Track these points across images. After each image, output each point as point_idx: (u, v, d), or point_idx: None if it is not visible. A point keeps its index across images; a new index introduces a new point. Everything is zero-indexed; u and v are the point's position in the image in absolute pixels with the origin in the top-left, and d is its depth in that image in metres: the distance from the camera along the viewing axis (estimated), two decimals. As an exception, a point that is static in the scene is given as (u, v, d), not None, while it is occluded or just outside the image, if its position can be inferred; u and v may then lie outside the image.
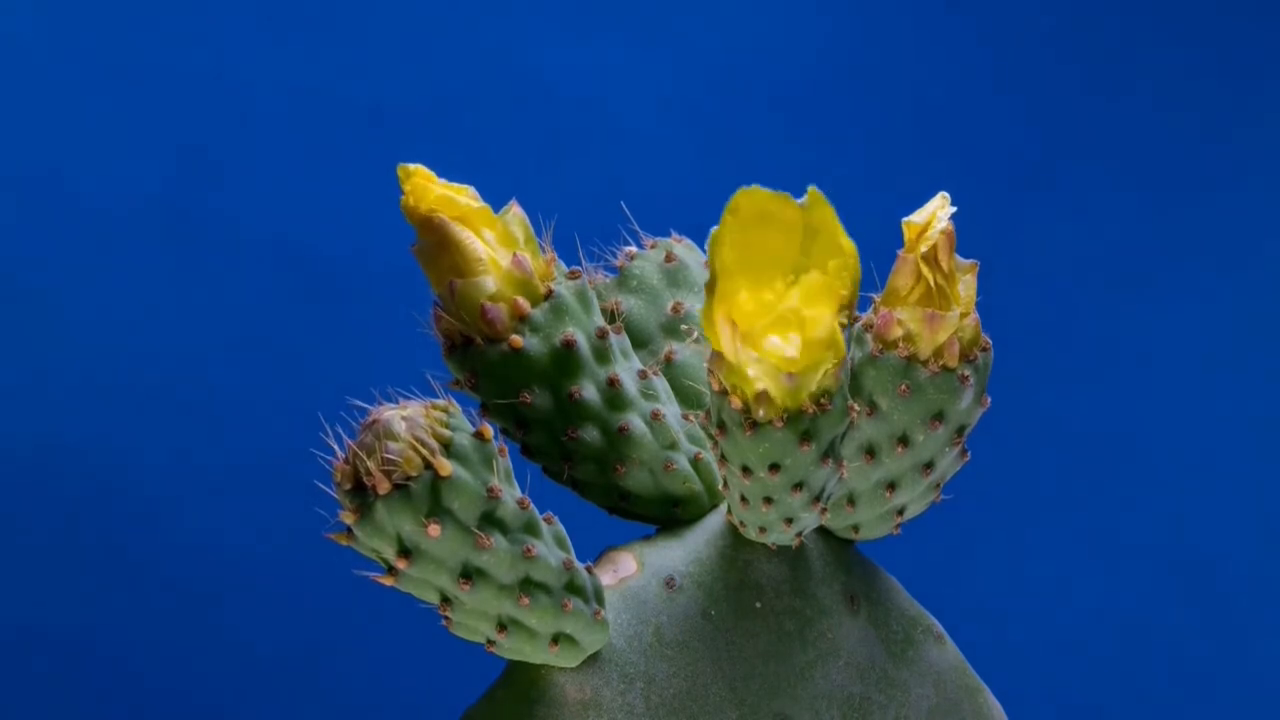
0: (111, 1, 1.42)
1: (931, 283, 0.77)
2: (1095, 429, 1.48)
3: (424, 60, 1.44)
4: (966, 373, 0.77)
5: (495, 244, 0.79)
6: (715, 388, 0.74)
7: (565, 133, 1.46)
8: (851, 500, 0.80)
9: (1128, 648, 1.47)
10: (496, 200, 0.79)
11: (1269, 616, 1.48)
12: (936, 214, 0.76)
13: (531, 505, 0.74)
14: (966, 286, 0.77)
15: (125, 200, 1.42)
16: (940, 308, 0.77)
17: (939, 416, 0.77)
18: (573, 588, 0.76)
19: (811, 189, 0.71)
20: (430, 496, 0.72)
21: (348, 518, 0.73)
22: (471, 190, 0.79)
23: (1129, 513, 1.48)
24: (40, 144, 1.41)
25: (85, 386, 1.41)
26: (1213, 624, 1.47)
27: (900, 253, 0.77)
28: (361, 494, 0.73)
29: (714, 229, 0.71)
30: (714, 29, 1.47)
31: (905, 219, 0.77)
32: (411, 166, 0.78)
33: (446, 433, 0.73)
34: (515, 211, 0.80)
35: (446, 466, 0.72)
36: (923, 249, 0.76)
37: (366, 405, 0.74)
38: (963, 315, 0.77)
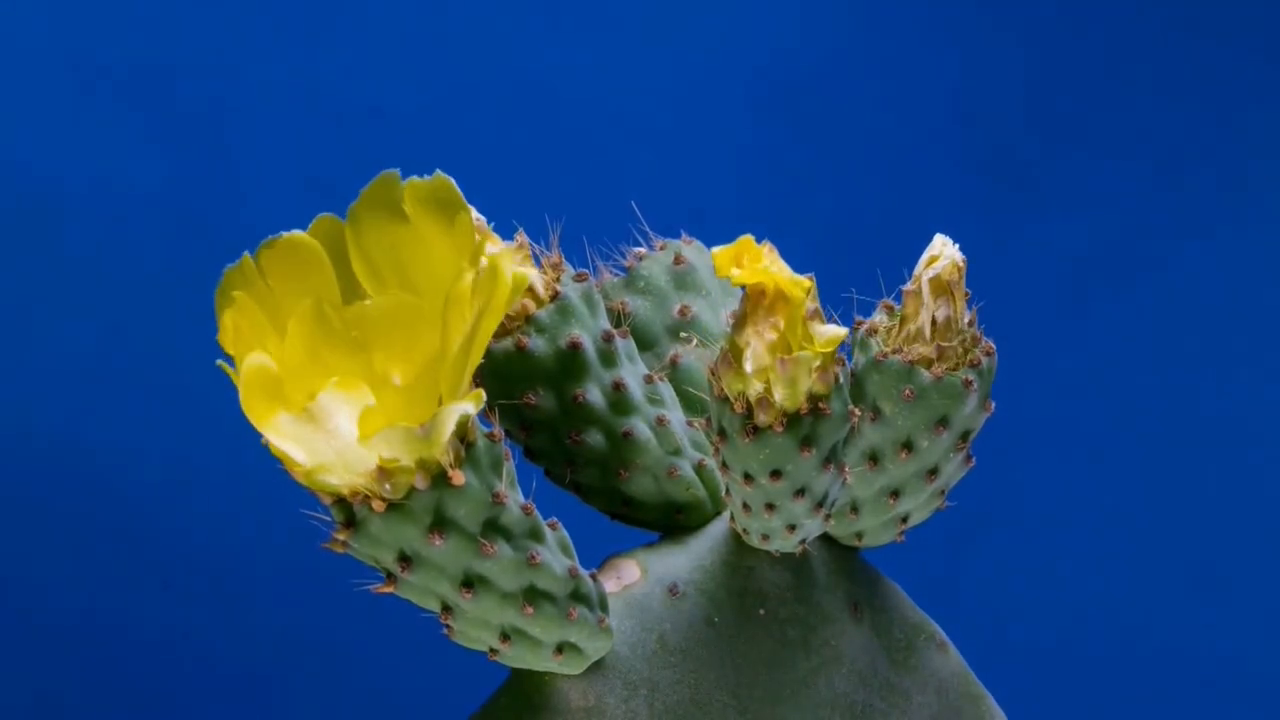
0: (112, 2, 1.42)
1: (926, 314, 0.77)
2: (1100, 433, 1.48)
3: (432, 59, 1.44)
4: (970, 377, 0.77)
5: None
6: (716, 394, 0.74)
7: (577, 131, 1.45)
8: (855, 507, 0.79)
9: (1132, 656, 1.47)
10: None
11: (1271, 620, 1.48)
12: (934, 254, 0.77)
13: (535, 511, 0.74)
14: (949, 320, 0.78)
15: (126, 200, 1.41)
16: (944, 332, 0.77)
17: (943, 422, 0.77)
18: (577, 595, 0.75)
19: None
20: (433, 508, 0.70)
21: (340, 534, 0.70)
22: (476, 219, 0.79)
23: (1133, 519, 1.48)
24: (41, 144, 1.41)
25: (86, 387, 1.41)
26: (1216, 629, 1.47)
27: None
28: (347, 505, 0.70)
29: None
30: (723, 28, 1.47)
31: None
32: None
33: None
34: (518, 241, 0.79)
35: (460, 477, 0.70)
36: (923, 279, 0.77)
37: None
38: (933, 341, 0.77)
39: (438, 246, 0.70)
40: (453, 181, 0.71)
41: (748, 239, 0.71)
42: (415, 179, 0.71)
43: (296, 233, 0.71)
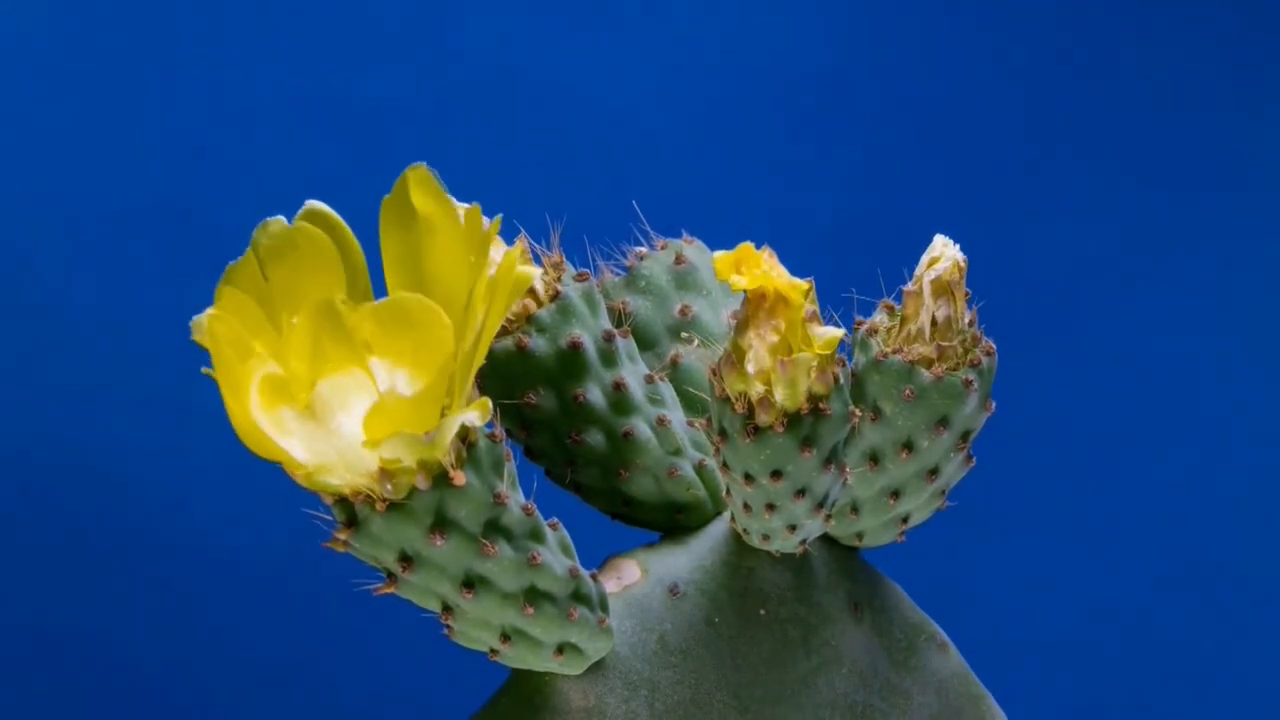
0: (112, 1, 1.42)
1: (926, 314, 0.77)
2: (1101, 433, 1.48)
3: (432, 58, 1.44)
4: (970, 377, 0.77)
5: None
6: (717, 394, 0.74)
7: (578, 130, 1.45)
8: (855, 508, 0.79)
9: (1133, 657, 1.47)
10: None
11: (1271, 620, 1.48)
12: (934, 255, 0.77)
13: (536, 511, 0.74)
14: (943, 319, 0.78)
15: (125, 200, 1.41)
16: (944, 332, 0.77)
17: (943, 422, 0.77)
18: (578, 596, 0.75)
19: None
20: (435, 509, 0.70)
21: (341, 533, 0.70)
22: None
23: (1135, 519, 1.48)
24: (40, 144, 1.41)
25: (86, 387, 1.41)
26: (1216, 629, 1.47)
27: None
28: (349, 505, 0.70)
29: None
30: (724, 28, 1.47)
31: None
32: None
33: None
34: (519, 242, 0.79)
35: (462, 478, 0.70)
36: (924, 280, 0.77)
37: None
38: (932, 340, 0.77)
39: (447, 243, 0.70)
40: (434, 174, 0.70)
41: (747, 246, 0.71)
42: (426, 172, 0.71)
43: (300, 222, 0.70)
